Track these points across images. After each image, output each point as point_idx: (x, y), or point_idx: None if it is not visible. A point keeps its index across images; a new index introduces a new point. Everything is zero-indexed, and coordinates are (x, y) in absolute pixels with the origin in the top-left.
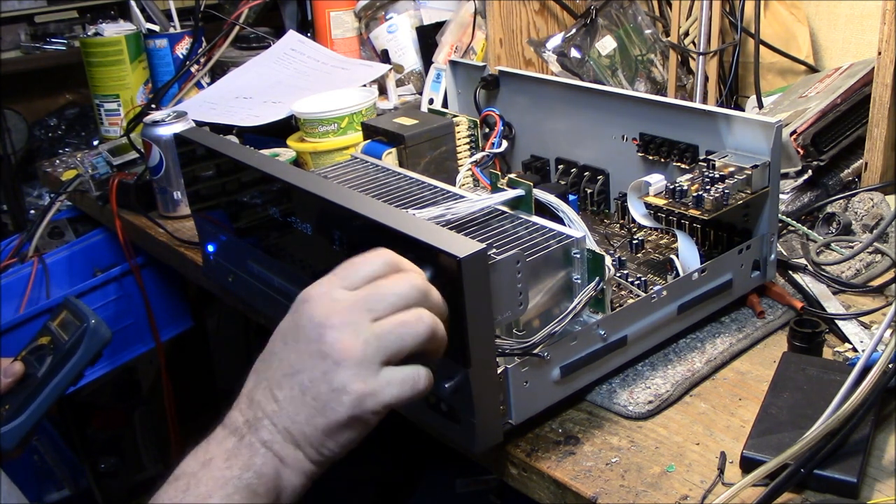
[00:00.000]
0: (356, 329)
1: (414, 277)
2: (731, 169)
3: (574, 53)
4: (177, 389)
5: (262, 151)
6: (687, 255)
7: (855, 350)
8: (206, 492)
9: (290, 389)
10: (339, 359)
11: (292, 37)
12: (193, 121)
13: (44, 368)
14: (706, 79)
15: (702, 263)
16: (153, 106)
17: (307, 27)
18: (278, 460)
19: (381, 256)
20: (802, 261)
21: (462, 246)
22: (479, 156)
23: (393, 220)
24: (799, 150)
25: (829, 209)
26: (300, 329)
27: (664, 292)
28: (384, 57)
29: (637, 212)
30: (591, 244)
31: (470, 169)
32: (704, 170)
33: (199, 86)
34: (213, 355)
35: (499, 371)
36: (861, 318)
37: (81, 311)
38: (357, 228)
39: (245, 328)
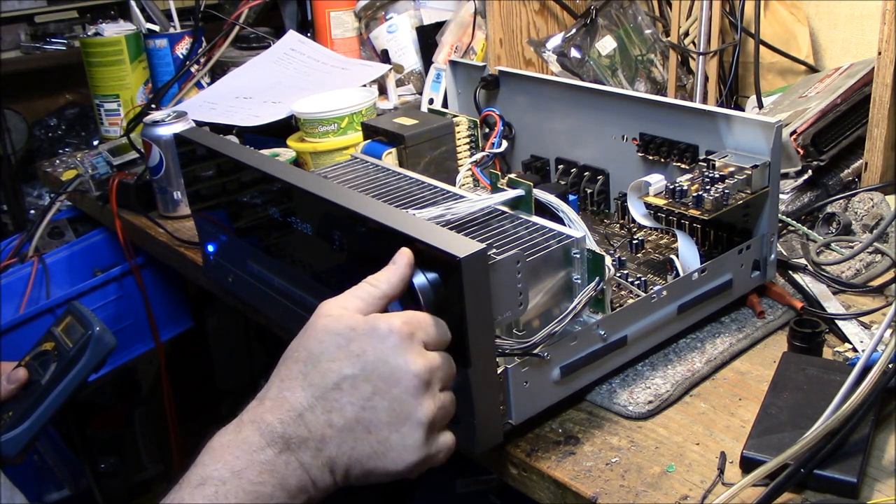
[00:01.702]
0: (434, 396)
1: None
2: (731, 169)
3: (574, 53)
4: (177, 389)
5: (262, 151)
6: (687, 255)
7: (855, 350)
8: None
9: (355, 422)
10: (421, 419)
11: (292, 37)
12: (193, 121)
13: (48, 375)
14: (706, 79)
15: (702, 263)
16: (153, 106)
17: (307, 27)
18: (311, 482)
19: (445, 326)
20: (802, 261)
21: (462, 246)
22: (479, 156)
23: (393, 220)
24: (799, 150)
25: (829, 209)
26: (390, 368)
27: (664, 292)
28: (384, 57)
29: (637, 212)
30: (591, 244)
31: (470, 169)
32: (704, 170)
33: (199, 86)
34: (213, 355)
35: (499, 371)
36: (861, 318)
37: (86, 318)
38: (357, 228)
39: (245, 328)
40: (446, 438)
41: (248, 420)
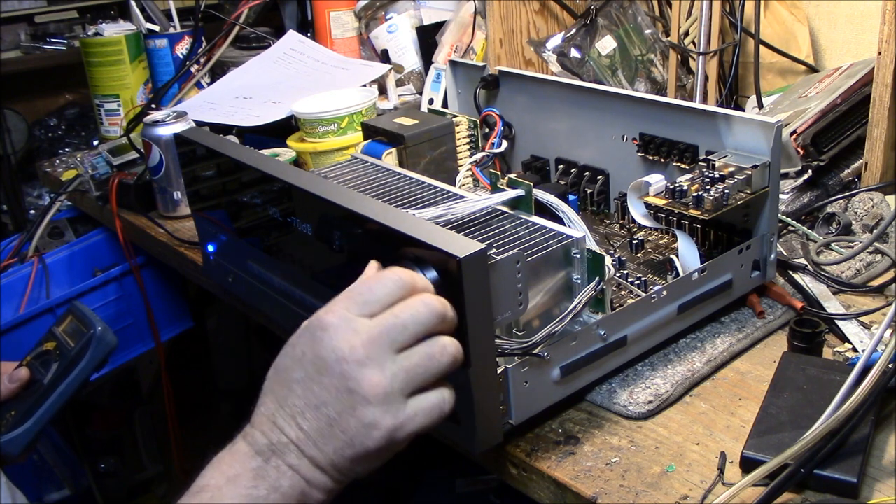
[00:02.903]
0: (382, 364)
1: (430, 300)
2: (731, 169)
3: (574, 53)
4: (177, 389)
5: (262, 151)
6: (687, 255)
7: (855, 350)
8: None
9: (316, 421)
10: (367, 395)
11: (292, 37)
12: (193, 121)
13: (50, 375)
14: (706, 79)
15: (702, 263)
16: (153, 106)
17: (307, 27)
18: (304, 482)
19: (394, 277)
20: (802, 261)
21: (462, 246)
22: (479, 156)
23: (393, 220)
24: (799, 150)
25: (829, 209)
26: (322, 361)
27: (664, 292)
28: (384, 57)
29: (637, 212)
30: (591, 244)
31: (470, 169)
32: (704, 170)
33: (199, 86)
34: (213, 355)
35: (499, 371)
36: (861, 318)
37: (88, 318)
38: (357, 228)
39: (245, 328)
40: (422, 400)
41: (239, 437)
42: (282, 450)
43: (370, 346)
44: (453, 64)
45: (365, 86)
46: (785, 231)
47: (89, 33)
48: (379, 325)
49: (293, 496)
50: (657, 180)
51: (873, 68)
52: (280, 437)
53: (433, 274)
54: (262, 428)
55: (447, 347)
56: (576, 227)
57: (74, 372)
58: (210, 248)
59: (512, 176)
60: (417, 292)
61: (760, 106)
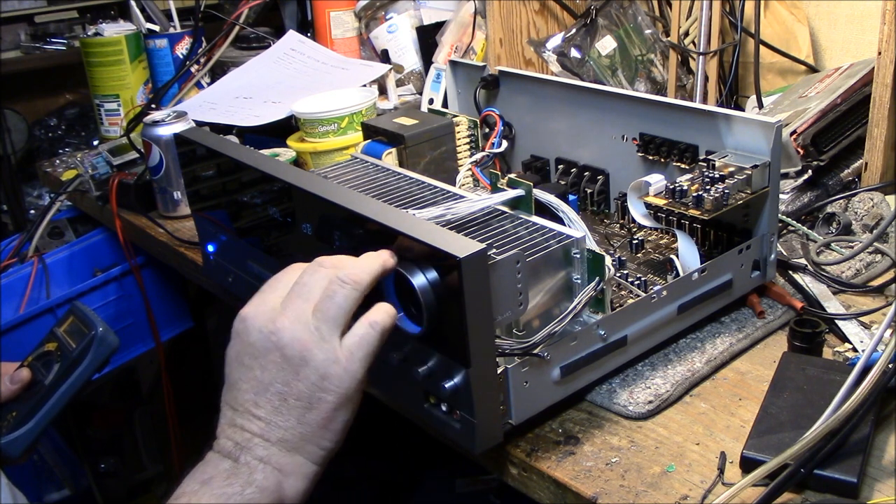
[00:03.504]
0: (301, 321)
1: (321, 261)
2: (731, 169)
3: (574, 53)
4: (177, 389)
5: (262, 151)
6: (687, 255)
7: (855, 350)
8: None
9: (268, 403)
10: (301, 354)
11: (292, 37)
12: (193, 121)
13: (51, 376)
14: (706, 79)
15: (702, 263)
16: (153, 106)
17: (307, 27)
18: (278, 472)
19: (294, 267)
20: (802, 261)
21: (462, 246)
22: (479, 156)
23: (393, 220)
24: (799, 150)
25: (829, 209)
26: (253, 346)
27: (664, 292)
28: (384, 57)
29: (637, 212)
30: (591, 244)
31: (470, 169)
32: (704, 170)
33: (199, 86)
34: (213, 355)
35: (499, 371)
36: (861, 318)
37: (89, 319)
38: (357, 228)
39: None
40: (351, 334)
41: (208, 451)
42: (247, 445)
43: (287, 313)
44: (453, 64)
45: (365, 86)
46: (785, 231)
47: (89, 33)
48: (287, 296)
49: (269, 488)
50: (657, 180)
51: (873, 68)
52: (242, 434)
53: (433, 274)
54: (225, 433)
55: (340, 277)
56: (576, 227)
57: (76, 373)
58: (210, 248)
59: (512, 176)
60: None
61: (760, 106)
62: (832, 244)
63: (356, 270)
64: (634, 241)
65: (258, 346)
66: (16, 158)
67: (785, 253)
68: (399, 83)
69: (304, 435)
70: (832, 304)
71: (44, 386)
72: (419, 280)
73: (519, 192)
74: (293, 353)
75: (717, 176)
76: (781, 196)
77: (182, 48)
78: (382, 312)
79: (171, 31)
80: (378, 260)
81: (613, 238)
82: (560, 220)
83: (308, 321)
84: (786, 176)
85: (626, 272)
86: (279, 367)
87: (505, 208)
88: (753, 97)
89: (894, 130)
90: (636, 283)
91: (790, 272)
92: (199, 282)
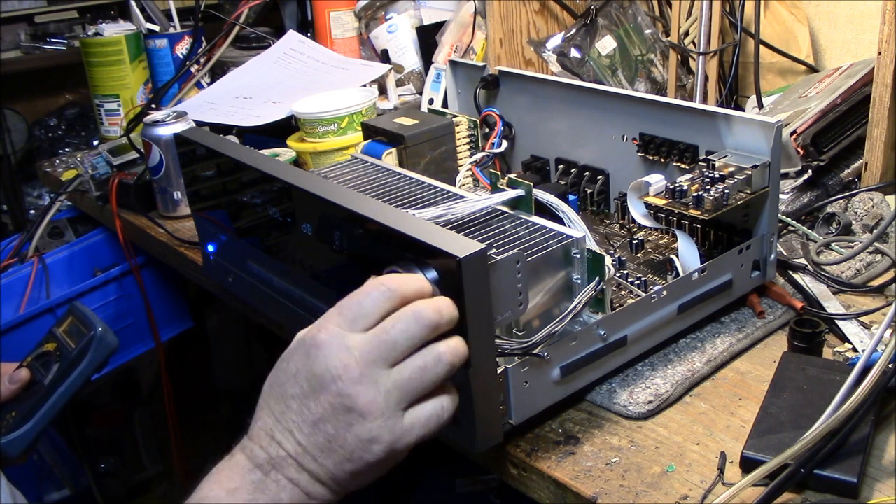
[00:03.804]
0: (376, 381)
1: (421, 311)
2: (731, 169)
3: (574, 53)
4: (177, 389)
5: (262, 151)
6: (687, 255)
7: (855, 350)
8: None
9: (313, 436)
10: (363, 412)
11: (292, 37)
12: (193, 121)
13: (50, 376)
14: (706, 79)
15: (702, 263)
16: (153, 106)
17: (307, 27)
18: (304, 495)
19: (381, 287)
20: (802, 261)
21: (462, 246)
22: (479, 156)
23: (393, 220)
24: (799, 150)
25: (829, 209)
26: (317, 379)
27: (664, 292)
28: (384, 57)
29: (637, 212)
30: (591, 244)
31: (470, 169)
32: (704, 170)
33: (199, 86)
34: (213, 355)
35: (499, 371)
36: (861, 318)
37: (88, 319)
38: (357, 228)
39: (245, 328)
40: (419, 411)
41: (237, 449)
42: (281, 464)
43: (363, 363)
44: (453, 64)
45: (365, 86)
46: (785, 231)
47: (89, 33)
48: (370, 342)
49: None
50: (657, 180)
51: (873, 68)
52: (279, 451)
53: (433, 274)
54: (261, 442)
55: (442, 357)
56: (576, 227)
57: (75, 373)
58: (210, 248)
59: (512, 176)
60: (408, 299)
61: (760, 106)
62: (832, 244)
63: (456, 355)
64: (634, 241)
65: (322, 381)
66: (16, 158)
67: (785, 253)
68: (399, 83)
69: (336, 477)
70: (832, 304)
71: (43, 386)
72: None
73: (519, 192)
74: (355, 407)
75: (717, 176)
76: (781, 196)
77: (182, 48)
78: (453, 401)
79: (171, 31)
80: (465, 350)
81: (613, 238)
82: (560, 220)
83: (383, 383)
84: (786, 176)
85: (626, 272)
86: (335, 413)
87: (505, 208)
88: (753, 97)
89: (894, 130)
90: (636, 283)
91: (790, 272)
92: (199, 282)
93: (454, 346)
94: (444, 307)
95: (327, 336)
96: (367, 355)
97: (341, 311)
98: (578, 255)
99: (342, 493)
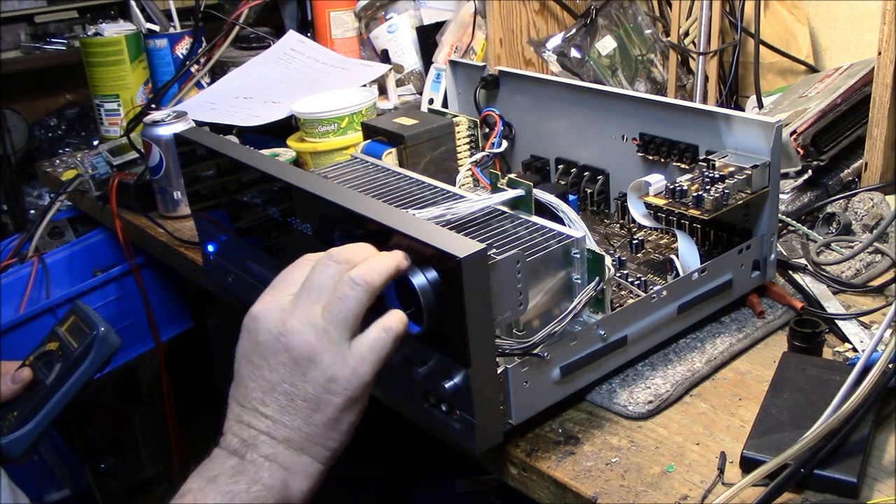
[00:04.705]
0: (310, 323)
1: (334, 251)
2: (731, 169)
3: (574, 53)
4: (177, 389)
5: (262, 151)
6: (687, 255)
7: (855, 350)
8: None
9: (275, 402)
10: (311, 357)
11: (292, 37)
12: (193, 121)
13: (53, 375)
14: (706, 79)
15: (702, 263)
16: (153, 106)
17: (307, 27)
18: (284, 471)
19: (305, 260)
20: (802, 261)
21: (462, 246)
22: (479, 156)
23: (393, 220)
24: (799, 150)
25: (829, 209)
26: (263, 346)
27: (664, 292)
28: (384, 57)
29: (637, 212)
30: (591, 244)
31: (470, 169)
32: (704, 170)
33: (199, 86)
34: (213, 355)
35: (499, 371)
36: (861, 318)
37: (91, 318)
38: (357, 228)
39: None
40: (364, 338)
41: (214, 447)
42: (254, 443)
43: (297, 315)
44: (453, 64)
45: (365, 86)
46: (785, 231)
47: (89, 33)
48: (298, 295)
49: (275, 486)
50: (657, 180)
51: (873, 68)
52: (249, 431)
53: (433, 274)
54: (232, 430)
55: (354, 279)
56: (576, 227)
57: (77, 372)
58: (210, 248)
59: (512, 176)
60: (325, 259)
61: (760, 106)
62: (832, 244)
63: (368, 271)
64: (634, 241)
65: (267, 346)
66: (16, 158)
67: (785, 253)
68: (399, 83)
69: (310, 436)
70: (832, 304)
71: (45, 385)
72: (419, 280)
73: (519, 192)
74: (301, 355)
75: (717, 176)
76: (781, 196)
77: (182, 48)
78: (396, 319)
79: (171, 31)
80: (392, 261)
81: (613, 238)
82: (560, 220)
83: (318, 323)
84: (786, 176)
85: (626, 272)
86: (287, 368)
87: (505, 208)
88: (753, 97)
89: (894, 130)
90: (636, 283)
91: (790, 272)
92: (199, 282)
93: (360, 267)
94: (358, 246)
95: (261, 306)
96: (298, 306)
97: (272, 285)
98: (578, 255)
99: (325, 459)
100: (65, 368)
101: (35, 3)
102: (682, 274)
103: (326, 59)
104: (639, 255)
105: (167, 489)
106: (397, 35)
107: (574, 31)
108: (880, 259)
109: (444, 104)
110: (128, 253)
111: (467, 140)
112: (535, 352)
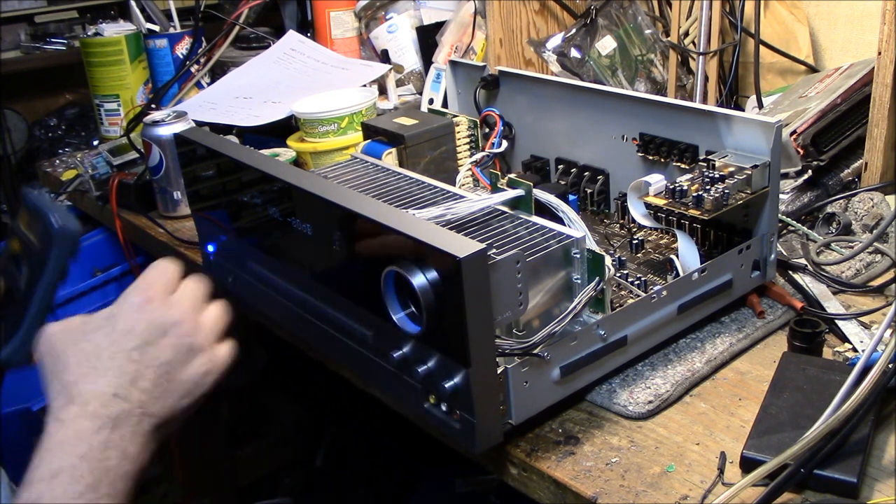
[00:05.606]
0: (201, 323)
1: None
2: (731, 169)
3: (574, 53)
4: None
5: (262, 151)
6: (687, 255)
7: (855, 350)
8: (93, 482)
9: (158, 378)
10: (201, 348)
11: (292, 37)
12: (193, 121)
13: (24, 278)
14: (706, 79)
15: (702, 263)
16: (153, 106)
17: (307, 27)
18: (146, 443)
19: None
20: (802, 261)
21: (462, 246)
22: (479, 156)
23: (393, 220)
24: (799, 150)
25: (829, 209)
26: (156, 327)
27: (664, 292)
28: (384, 57)
29: (637, 212)
30: (591, 244)
31: (470, 169)
32: (704, 170)
33: (199, 86)
34: None
35: (499, 371)
36: (861, 318)
37: (39, 208)
38: (357, 228)
39: (245, 328)
40: (224, 346)
41: (69, 417)
42: (125, 418)
43: (191, 314)
44: (453, 64)
45: (365, 86)
46: (785, 231)
47: (89, 33)
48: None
49: (139, 456)
50: (657, 180)
51: (873, 68)
52: (122, 405)
53: (433, 274)
54: (100, 402)
55: (193, 290)
56: (576, 227)
57: (47, 269)
58: (210, 248)
59: (512, 176)
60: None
61: (760, 106)
62: (832, 244)
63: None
64: (634, 241)
65: (164, 329)
66: (16, 158)
67: (785, 253)
68: (399, 83)
69: (171, 416)
70: (832, 304)
71: (20, 289)
72: (419, 280)
73: (519, 192)
74: (194, 347)
75: (717, 176)
76: (781, 196)
77: (182, 48)
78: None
79: (171, 31)
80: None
81: (613, 238)
82: (560, 220)
83: (204, 325)
84: (786, 176)
85: (626, 272)
86: (177, 353)
87: (505, 208)
88: (753, 97)
89: (894, 130)
90: (636, 283)
91: (790, 272)
92: None
93: (189, 292)
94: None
95: (145, 295)
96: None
97: (147, 283)
98: (578, 255)
99: (163, 435)
100: (32, 267)
101: (35, 3)
102: (682, 274)
103: (326, 59)
104: (639, 255)
105: (167, 489)
106: (397, 35)
107: (574, 31)
108: (880, 259)
109: (444, 104)
110: (128, 253)
111: (467, 140)
112: (535, 352)
